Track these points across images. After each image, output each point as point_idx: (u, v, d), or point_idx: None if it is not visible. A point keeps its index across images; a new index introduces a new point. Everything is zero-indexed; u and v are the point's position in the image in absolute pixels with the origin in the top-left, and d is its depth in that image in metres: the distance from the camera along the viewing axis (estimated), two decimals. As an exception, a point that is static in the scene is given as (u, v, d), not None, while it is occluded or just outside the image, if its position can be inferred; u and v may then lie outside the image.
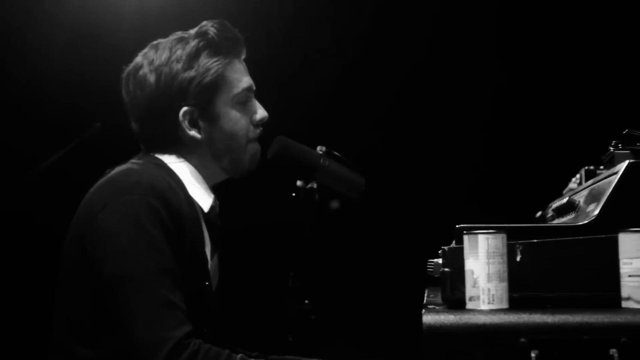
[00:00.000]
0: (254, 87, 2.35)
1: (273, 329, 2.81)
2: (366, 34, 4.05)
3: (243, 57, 2.35)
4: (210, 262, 2.28)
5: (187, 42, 2.26)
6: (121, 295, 2.02)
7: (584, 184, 2.32)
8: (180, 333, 1.99)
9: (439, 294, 1.92)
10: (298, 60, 3.99)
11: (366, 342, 2.60)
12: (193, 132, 2.24)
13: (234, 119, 2.28)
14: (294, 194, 2.75)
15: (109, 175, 2.19)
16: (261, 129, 2.36)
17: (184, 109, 2.23)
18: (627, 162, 1.85)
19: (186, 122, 2.23)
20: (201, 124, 2.25)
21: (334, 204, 3.68)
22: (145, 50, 2.29)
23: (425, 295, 2.13)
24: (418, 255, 2.30)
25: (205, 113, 2.25)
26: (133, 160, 2.25)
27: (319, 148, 2.66)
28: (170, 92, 2.22)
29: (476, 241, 1.76)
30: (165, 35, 2.31)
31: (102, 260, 2.05)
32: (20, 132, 3.85)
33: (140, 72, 2.24)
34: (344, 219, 3.13)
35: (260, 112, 2.34)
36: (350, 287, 3.72)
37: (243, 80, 2.31)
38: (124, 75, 2.28)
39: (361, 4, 4.06)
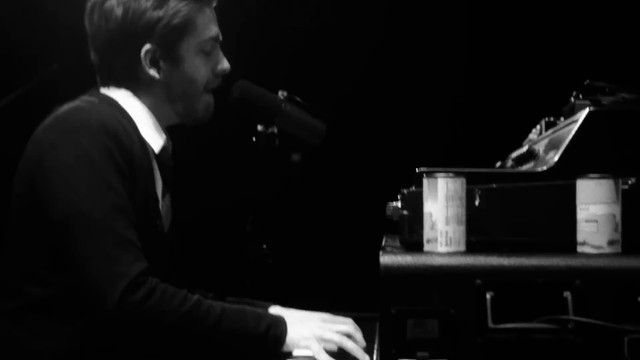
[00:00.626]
0: (221, 38, 2.32)
1: (230, 272, 2.82)
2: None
3: (214, 4, 2.32)
4: (162, 202, 2.27)
5: None
6: (75, 234, 2.00)
7: (544, 134, 2.33)
8: (136, 270, 1.98)
9: (397, 239, 1.93)
10: (263, 6, 3.95)
11: (324, 288, 2.61)
12: (152, 72, 2.22)
13: (195, 65, 2.26)
14: (254, 139, 2.75)
15: (57, 113, 2.15)
16: (220, 79, 2.34)
17: (147, 47, 2.20)
18: (587, 109, 1.87)
19: (147, 61, 2.21)
20: (162, 64, 2.22)
21: (295, 157, 3.67)
22: None
23: (383, 240, 2.13)
24: (377, 200, 2.31)
25: (168, 55, 2.23)
26: (83, 98, 2.22)
27: (280, 93, 2.65)
28: (136, 28, 2.19)
29: (435, 184, 1.76)
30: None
31: (54, 200, 2.03)
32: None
33: (107, 4, 2.20)
34: (303, 163, 3.11)
35: (223, 63, 2.32)
36: (308, 232, 3.73)
37: (211, 28, 2.29)
38: (90, 4, 2.24)
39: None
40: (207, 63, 2.28)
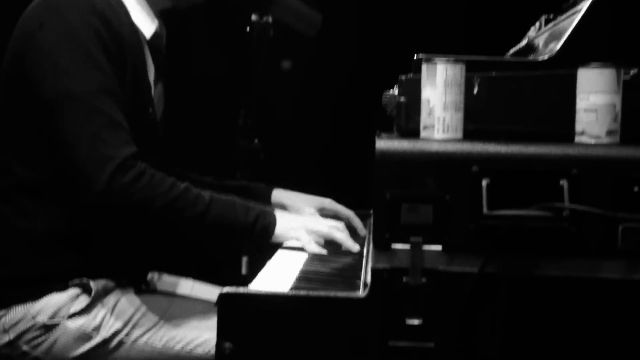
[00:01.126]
0: None
1: (222, 166, 2.80)
2: None
3: None
4: (154, 89, 2.24)
5: None
6: (62, 114, 1.98)
7: (543, 29, 2.30)
8: (125, 153, 1.96)
9: (392, 134, 1.91)
10: None
11: (316, 184, 2.59)
12: None
13: None
14: (248, 29, 2.70)
15: None
16: None
17: None
18: (591, -1, 1.84)
19: None
20: None
21: (286, 65, 3.62)
22: None
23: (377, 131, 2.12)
24: (373, 91, 2.28)
25: None
26: None
27: (276, -20, 2.60)
28: None
29: (434, 70, 1.74)
30: None
31: (42, 80, 2.00)
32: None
33: None
34: (296, 52, 3.06)
35: None
36: (301, 125, 3.69)
37: None
38: None
39: None
40: None
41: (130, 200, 1.95)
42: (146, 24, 2.20)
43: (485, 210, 1.62)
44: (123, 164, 1.95)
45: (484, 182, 1.64)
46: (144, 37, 2.20)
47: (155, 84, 2.26)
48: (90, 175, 1.94)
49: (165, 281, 2.36)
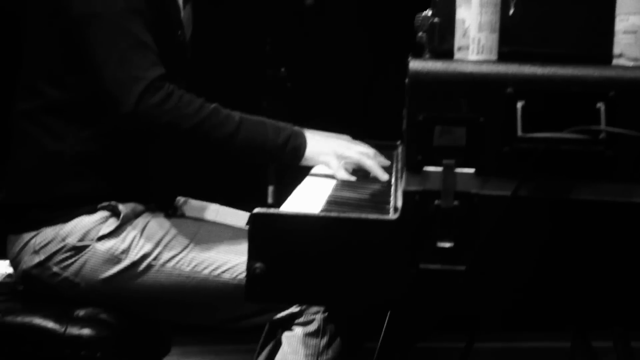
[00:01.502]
0: None
1: (248, 94, 2.78)
2: None
3: None
4: (183, 11, 2.22)
5: None
6: (91, 34, 1.96)
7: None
8: (153, 74, 1.95)
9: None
10: None
11: (343, 113, 2.57)
12: None
13: None
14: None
15: None
16: None
17: None
18: None
19: None
20: None
21: (309, 1, 3.56)
22: None
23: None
24: (404, 13, 2.23)
25: None
26: None
27: None
28: None
29: (471, -11, 1.70)
30: None
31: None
32: None
33: None
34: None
35: None
36: (328, 51, 3.64)
37: None
38: None
39: None
40: None
41: (159, 121, 1.95)
42: None
43: (519, 132, 1.59)
44: (151, 85, 1.94)
45: (519, 104, 1.61)
46: None
47: (183, 6, 2.24)
48: (118, 96, 1.93)
49: (193, 206, 2.36)
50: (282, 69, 3.03)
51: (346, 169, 2.14)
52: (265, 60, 3.02)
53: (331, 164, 2.11)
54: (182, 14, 2.22)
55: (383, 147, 2.44)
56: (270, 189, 2.89)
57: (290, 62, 2.92)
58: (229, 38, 3.53)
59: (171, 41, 2.16)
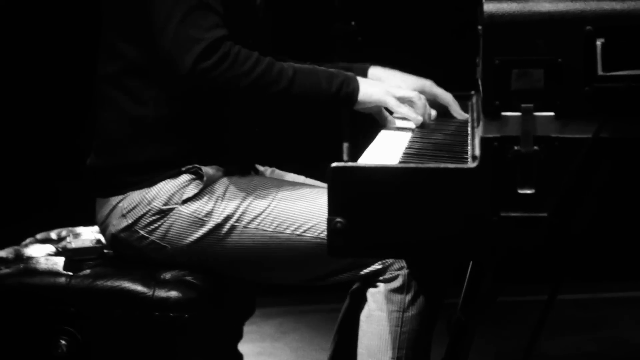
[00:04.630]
0: None
1: (318, 49, 2.76)
2: None
3: None
4: None
5: None
6: None
7: None
8: (214, 35, 1.96)
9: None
10: None
11: (418, 66, 2.51)
12: None
13: None
14: None
15: None
16: None
17: None
18: None
19: None
20: None
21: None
22: None
23: None
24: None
25: None
26: None
27: None
28: None
29: None
30: None
31: None
32: None
33: None
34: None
35: None
36: (398, 4, 3.59)
37: None
38: None
39: None
40: None
41: (216, 82, 1.97)
42: None
43: (600, 71, 1.56)
44: (210, 46, 1.95)
45: (599, 42, 1.56)
46: None
47: None
48: (176, 57, 1.95)
49: (274, 172, 2.37)
50: (352, 23, 2.99)
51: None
52: (335, 15, 2.99)
53: (388, 102, 2.11)
54: None
55: (457, 97, 2.41)
56: (345, 145, 2.88)
57: (360, 15, 2.89)
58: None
59: (243, 2, 2.15)
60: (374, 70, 2.40)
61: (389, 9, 3.48)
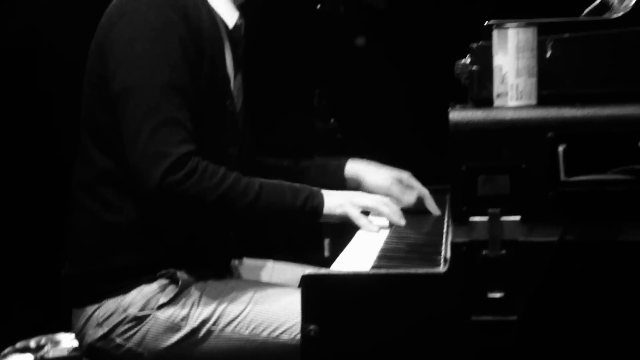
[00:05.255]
0: None
1: (299, 146, 2.80)
2: None
3: None
4: (233, 81, 2.25)
5: None
6: (127, 107, 2.01)
7: (619, -14, 2.23)
8: (181, 150, 1.98)
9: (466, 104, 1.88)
10: None
11: (395, 159, 2.56)
12: None
13: None
14: (318, 6, 2.69)
15: None
16: None
17: None
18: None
19: None
20: None
21: (360, 41, 3.59)
22: None
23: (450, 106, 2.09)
24: (445, 61, 2.24)
25: None
26: None
27: (344, -46, 2.58)
28: None
29: (506, 35, 1.70)
30: None
31: (115, 70, 2.04)
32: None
33: None
34: (367, 29, 3.03)
35: None
36: (377, 101, 3.65)
37: None
38: None
39: None
40: None
41: (183, 197, 1.98)
42: (228, 14, 2.22)
43: (563, 177, 1.58)
44: (177, 161, 1.97)
45: (561, 148, 1.60)
46: (225, 28, 2.21)
47: (234, 76, 2.27)
48: (144, 170, 1.97)
49: (248, 266, 2.38)
50: (332, 120, 3.04)
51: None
52: (314, 113, 3.03)
53: (351, 214, 2.13)
54: (232, 84, 2.25)
55: (434, 191, 2.44)
56: (326, 241, 2.90)
57: (339, 112, 2.94)
58: (277, 94, 3.57)
59: (221, 111, 2.19)
60: (352, 164, 2.44)
61: (367, 105, 3.54)
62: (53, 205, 3.38)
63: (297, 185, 2.12)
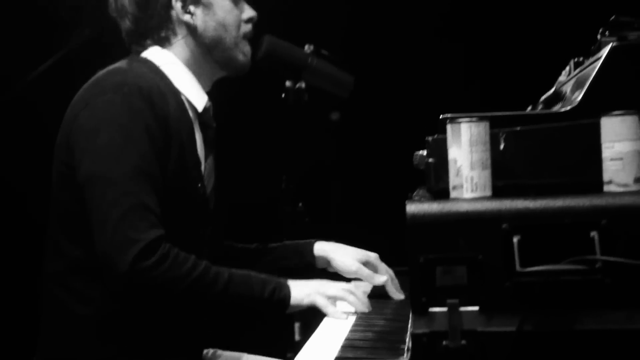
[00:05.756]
0: None
1: (267, 230, 2.83)
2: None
3: None
4: (205, 164, 2.28)
5: None
6: (95, 194, 2.03)
7: (572, 74, 2.30)
8: (151, 236, 1.99)
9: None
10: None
11: (360, 240, 2.61)
12: (186, 17, 2.24)
13: (226, 8, 2.27)
14: (283, 95, 2.75)
15: (97, 75, 2.18)
16: (251, 28, 2.34)
17: None
18: (610, 45, 1.84)
19: (179, 7, 2.23)
20: (193, 9, 2.25)
21: (334, 116, 3.66)
22: None
23: (416, 191, 2.13)
24: (408, 148, 2.29)
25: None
26: (122, 61, 2.24)
27: (306, 47, 2.64)
28: None
29: (459, 129, 1.75)
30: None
31: (81, 158, 2.07)
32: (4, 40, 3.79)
33: None
34: (331, 118, 3.10)
35: (250, 11, 2.33)
36: (343, 187, 3.72)
37: None
38: None
39: None
40: (236, 7, 2.29)
41: (153, 283, 1.99)
42: (197, 98, 2.26)
43: (518, 267, 1.62)
44: (147, 247, 1.98)
45: (515, 239, 1.64)
46: (195, 111, 2.25)
47: (205, 158, 2.30)
48: (113, 258, 1.98)
49: (220, 357, 2.39)
50: (300, 204, 3.08)
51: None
52: (282, 197, 3.07)
53: (319, 303, 2.16)
54: (204, 166, 2.28)
55: (400, 273, 2.47)
56: (297, 325, 2.91)
57: (307, 196, 2.98)
58: (244, 179, 3.62)
59: (192, 194, 2.21)
60: (320, 245, 2.47)
61: (333, 189, 3.60)
62: (23, 296, 3.39)
63: (264, 276, 2.14)
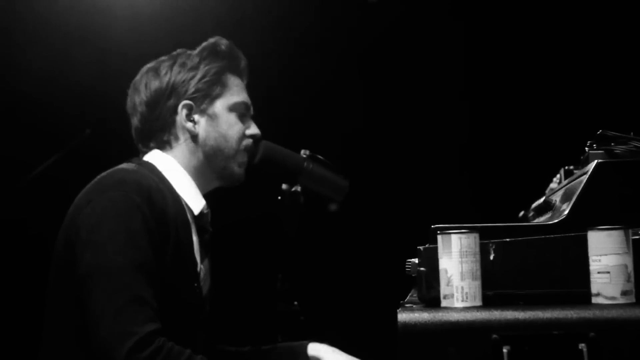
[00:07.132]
0: (252, 111, 2.42)
1: (263, 330, 2.85)
2: (343, 43, 4.11)
3: (245, 81, 2.42)
4: (201, 266, 2.31)
5: (191, 55, 2.35)
6: (92, 287, 2.06)
7: (562, 183, 2.36)
8: (146, 329, 2.02)
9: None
10: (282, 65, 4.03)
11: (354, 342, 2.63)
12: (189, 125, 2.31)
13: (230, 122, 2.35)
14: (279, 197, 2.79)
15: (99, 176, 2.24)
16: (252, 142, 2.41)
17: (184, 102, 2.31)
18: (595, 161, 1.90)
19: (184, 114, 2.31)
20: (198, 118, 2.32)
21: (333, 207, 3.70)
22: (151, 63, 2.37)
23: (410, 294, 2.16)
24: (402, 255, 2.34)
25: (204, 110, 2.33)
26: (124, 164, 2.30)
27: (302, 152, 2.70)
28: (173, 88, 2.31)
29: (449, 241, 1.80)
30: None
31: (82, 253, 2.10)
32: (8, 137, 3.87)
33: (146, 77, 2.34)
34: (326, 221, 3.14)
35: (254, 129, 2.40)
36: (337, 287, 3.75)
37: (243, 94, 2.40)
38: (132, 83, 2.36)
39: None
40: (240, 122, 2.36)
41: None
42: (194, 201, 2.31)
43: (510, 375, 1.65)
44: (142, 340, 2.00)
45: (505, 350, 1.67)
46: (192, 214, 2.30)
47: (202, 260, 2.33)
48: (111, 349, 1.99)
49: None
50: (295, 303, 3.09)
51: None
52: (277, 296, 3.09)
53: None
54: (199, 267, 2.31)
55: None
56: None
57: (302, 295, 3.00)
58: (240, 278, 3.66)
59: (187, 294, 2.24)
60: (314, 346, 2.48)
61: (329, 289, 3.64)
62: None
63: None
